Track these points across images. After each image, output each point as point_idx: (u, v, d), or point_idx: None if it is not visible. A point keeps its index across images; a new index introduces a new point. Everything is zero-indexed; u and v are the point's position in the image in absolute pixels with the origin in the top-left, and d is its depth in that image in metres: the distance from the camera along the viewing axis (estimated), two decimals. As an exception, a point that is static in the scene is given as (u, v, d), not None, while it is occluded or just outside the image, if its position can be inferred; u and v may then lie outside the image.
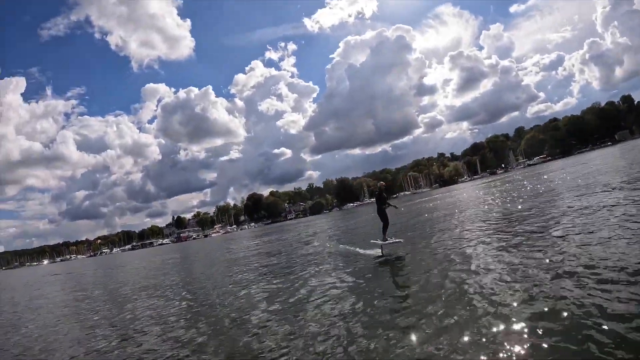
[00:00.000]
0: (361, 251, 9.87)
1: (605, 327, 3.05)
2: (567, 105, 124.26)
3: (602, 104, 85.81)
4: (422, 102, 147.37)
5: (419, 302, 4.62)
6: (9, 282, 34.39)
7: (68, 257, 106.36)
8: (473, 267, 5.63)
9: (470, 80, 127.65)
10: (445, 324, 3.72)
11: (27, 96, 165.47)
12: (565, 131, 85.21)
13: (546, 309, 3.57)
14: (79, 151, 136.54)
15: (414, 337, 3.61)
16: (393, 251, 8.76)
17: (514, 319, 3.49)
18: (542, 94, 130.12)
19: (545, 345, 2.97)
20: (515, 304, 3.83)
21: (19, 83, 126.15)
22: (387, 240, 8.95)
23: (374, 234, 9.09)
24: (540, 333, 3.16)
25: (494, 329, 3.38)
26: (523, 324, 3.36)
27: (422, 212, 20.84)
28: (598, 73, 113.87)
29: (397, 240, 9.08)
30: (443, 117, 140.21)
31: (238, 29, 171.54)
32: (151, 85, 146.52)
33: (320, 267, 8.87)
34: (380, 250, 8.99)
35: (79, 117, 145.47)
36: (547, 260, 5.09)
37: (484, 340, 3.25)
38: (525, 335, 3.17)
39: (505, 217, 10.57)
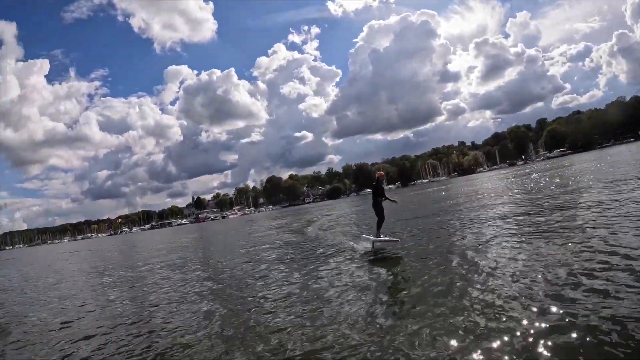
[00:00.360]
0: (351, 243, 9.54)
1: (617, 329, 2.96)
2: (592, 97, 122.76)
3: (628, 99, 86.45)
4: (445, 89, 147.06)
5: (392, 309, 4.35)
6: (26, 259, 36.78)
7: (89, 235, 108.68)
8: (476, 276, 4.91)
9: (495, 68, 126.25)
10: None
11: (50, 78, 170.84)
12: (587, 125, 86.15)
13: (554, 320, 3.31)
14: (102, 132, 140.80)
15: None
16: (386, 248, 8.14)
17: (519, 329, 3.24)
18: (568, 85, 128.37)
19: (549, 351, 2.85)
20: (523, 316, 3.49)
21: (43, 65, 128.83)
22: (380, 237, 8.32)
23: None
24: (546, 341, 2.99)
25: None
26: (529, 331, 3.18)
27: (432, 203, 20.38)
28: (626, 66, 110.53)
29: (393, 239, 8.28)
30: (466, 104, 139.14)
31: (261, 11, 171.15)
32: (174, 67, 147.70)
33: (295, 257, 9.10)
34: (370, 246, 8.50)
35: (102, 98, 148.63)
36: (562, 269, 4.58)
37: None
38: (532, 341, 3.03)
39: (520, 211, 10.11)
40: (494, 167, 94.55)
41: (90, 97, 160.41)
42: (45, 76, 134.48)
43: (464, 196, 20.48)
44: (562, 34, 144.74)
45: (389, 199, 8.54)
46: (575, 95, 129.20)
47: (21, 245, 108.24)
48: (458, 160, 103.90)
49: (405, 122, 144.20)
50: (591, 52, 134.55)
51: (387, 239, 8.30)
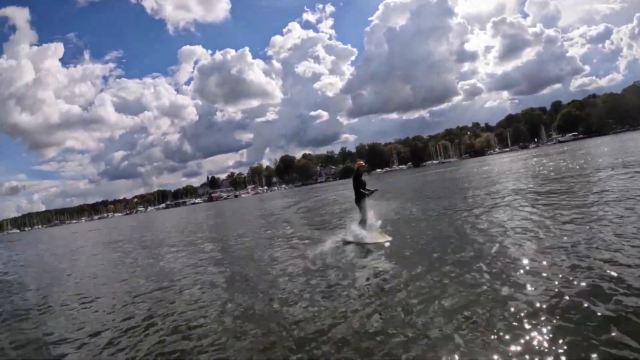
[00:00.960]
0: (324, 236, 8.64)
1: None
2: (612, 81, 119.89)
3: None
4: (462, 69, 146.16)
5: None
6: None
7: (105, 215, 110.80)
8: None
9: (512, 48, 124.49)
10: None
11: (65, 61, 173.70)
12: (603, 109, 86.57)
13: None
14: (117, 113, 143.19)
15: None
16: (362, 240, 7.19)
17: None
18: (587, 67, 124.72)
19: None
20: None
21: (57, 49, 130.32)
22: (366, 237, 7.16)
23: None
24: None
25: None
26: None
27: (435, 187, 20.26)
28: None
29: (385, 239, 6.94)
30: (483, 85, 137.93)
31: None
32: (188, 47, 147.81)
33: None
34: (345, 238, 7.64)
35: (116, 79, 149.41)
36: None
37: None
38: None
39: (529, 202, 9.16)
40: (505, 149, 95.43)
41: (105, 79, 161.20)
42: (59, 59, 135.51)
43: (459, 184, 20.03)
44: (582, 14, 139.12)
45: (368, 190, 7.46)
46: (594, 77, 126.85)
47: (40, 226, 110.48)
48: (470, 141, 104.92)
49: (421, 101, 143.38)
50: (611, 34, 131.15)
51: (371, 241, 7.04)
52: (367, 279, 5.15)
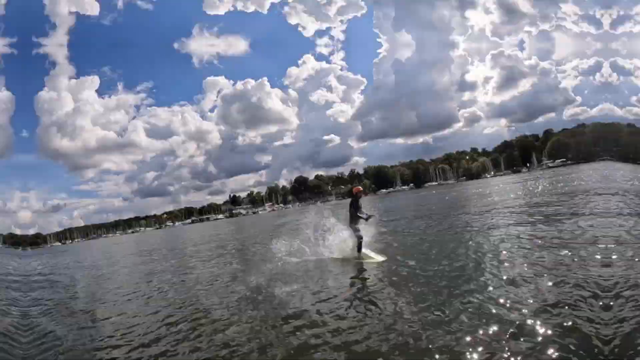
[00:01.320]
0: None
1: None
2: (601, 111, 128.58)
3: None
4: (463, 98, 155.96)
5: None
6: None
7: (138, 229, 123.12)
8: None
9: (510, 79, 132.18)
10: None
11: (101, 92, 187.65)
12: (590, 137, 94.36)
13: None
14: (149, 138, 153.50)
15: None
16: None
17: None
18: (579, 98, 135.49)
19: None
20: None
21: (94, 81, 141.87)
22: (361, 256, 7.57)
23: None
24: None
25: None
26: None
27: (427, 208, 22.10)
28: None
29: (379, 258, 7.23)
30: (482, 112, 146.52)
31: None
32: (211, 78, 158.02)
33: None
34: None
35: (147, 108, 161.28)
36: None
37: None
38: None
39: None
40: (499, 173, 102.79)
41: (137, 107, 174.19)
42: (95, 90, 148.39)
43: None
44: (575, 48, 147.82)
45: (365, 214, 7.73)
46: (585, 107, 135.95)
47: (79, 239, 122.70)
48: (468, 165, 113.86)
49: (425, 127, 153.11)
50: (602, 68, 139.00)
51: (365, 259, 7.47)
52: (357, 297, 5.49)
